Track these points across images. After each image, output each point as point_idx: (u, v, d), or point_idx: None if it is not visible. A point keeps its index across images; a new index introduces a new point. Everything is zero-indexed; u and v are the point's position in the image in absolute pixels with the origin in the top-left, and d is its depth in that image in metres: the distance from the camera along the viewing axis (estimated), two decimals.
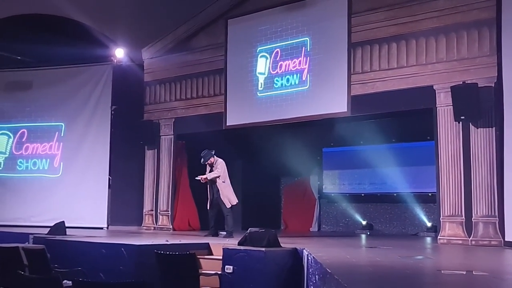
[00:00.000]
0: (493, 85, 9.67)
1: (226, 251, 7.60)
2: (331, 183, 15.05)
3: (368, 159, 13.50)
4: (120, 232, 12.94)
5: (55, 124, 15.29)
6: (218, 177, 11.04)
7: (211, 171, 11.19)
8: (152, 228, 14.03)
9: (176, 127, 14.09)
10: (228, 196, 11.10)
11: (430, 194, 12.39)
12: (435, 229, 11.85)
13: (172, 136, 14.12)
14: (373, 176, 14.01)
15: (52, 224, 10.69)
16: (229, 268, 7.38)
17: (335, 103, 11.58)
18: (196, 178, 11.34)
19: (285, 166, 14.56)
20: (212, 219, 11.34)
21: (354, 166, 14.37)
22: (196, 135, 13.53)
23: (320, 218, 15.17)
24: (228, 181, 11.25)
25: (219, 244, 8.66)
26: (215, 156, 11.25)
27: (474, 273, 5.39)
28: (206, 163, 11.26)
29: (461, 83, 9.82)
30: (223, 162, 11.24)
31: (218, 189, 11.08)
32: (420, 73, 10.53)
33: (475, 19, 9.95)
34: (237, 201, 11.33)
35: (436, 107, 10.29)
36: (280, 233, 10.19)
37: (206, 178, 11.08)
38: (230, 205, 11.08)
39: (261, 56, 12.85)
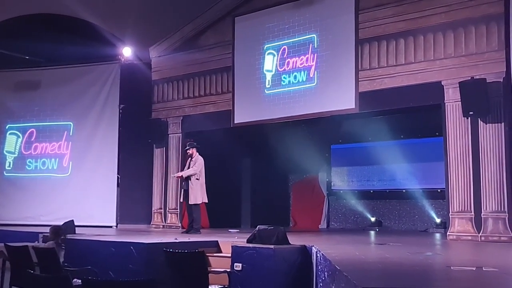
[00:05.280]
0: (501, 80, 9.63)
1: (235, 248, 7.62)
2: (339, 180, 15.04)
3: (376, 155, 13.50)
4: (129, 230, 12.97)
5: (63, 123, 15.34)
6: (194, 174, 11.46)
7: (189, 162, 11.63)
8: (161, 226, 14.06)
9: (184, 125, 14.11)
10: (196, 194, 11.43)
11: (439, 190, 12.38)
12: (444, 225, 11.84)
13: (180, 134, 14.14)
14: (382, 173, 14.01)
15: (61, 223, 10.72)
16: (238, 266, 7.39)
17: (343, 99, 11.56)
18: (173, 175, 11.71)
19: (293, 163, 14.59)
20: (187, 213, 11.82)
21: (362, 162, 14.36)
22: (204, 133, 13.54)
23: (329, 215, 15.17)
24: (202, 180, 11.59)
25: (228, 242, 8.68)
26: (197, 153, 11.65)
27: (484, 269, 5.37)
28: (187, 152, 11.74)
29: (470, 78, 9.77)
30: (202, 160, 11.62)
31: (189, 184, 11.43)
32: (428, 69, 10.49)
33: (483, 14, 9.91)
34: (206, 201, 11.64)
35: (445, 103, 10.26)
36: (289, 231, 10.19)
37: (182, 176, 11.53)
38: (195, 203, 11.43)
39: (268, 54, 12.84)
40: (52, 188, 15.07)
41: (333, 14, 11.87)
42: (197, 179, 11.43)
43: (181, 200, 11.85)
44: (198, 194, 11.44)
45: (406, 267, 5.71)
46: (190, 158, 11.72)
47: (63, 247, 7.86)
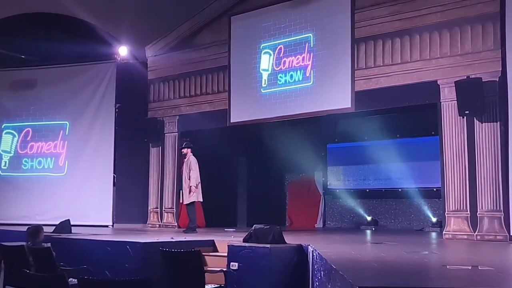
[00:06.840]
0: (497, 80, 9.65)
1: (231, 248, 7.62)
2: (335, 179, 15.04)
3: (372, 154, 13.50)
4: (125, 230, 12.96)
5: (59, 122, 15.30)
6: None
7: (184, 163, 11.68)
8: (157, 225, 14.05)
9: (180, 125, 14.09)
10: (188, 193, 11.43)
11: (435, 189, 12.38)
12: (440, 224, 11.85)
13: (176, 133, 14.12)
14: (378, 172, 14.01)
15: (57, 223, 10.74)
16: (234, 265, 7.39)
17: (339, 99, 11.57)
18: (190, 197, 11.61)
19: (289, 162, 14.58)
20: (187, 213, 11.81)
21: (358, 162, 14.37)
22: (200, 132, 13.53)
23: (325, 214, 15.17)
24: (197, 180, 11.55)
25: (224, 241, 8.68)
26: (191, 153, 11.65)
27: (479, 268, 5.37)
28: (182, 151, 11.81)
29: (465, 77, 9.79)
30: (196, 161, 11.62)
31: (183, 185, 11.58)
32: (424, 68, 10.51)
33: (479, 14, 9.93)
34: (201, 200, 11.66)
35: (441, 102, 10.27)
36: (285, 230, 10.20)
37: (192, 187, 11.45)
38: (188, 202, 11.49)
39: (264, 53, 12.84)
40: (48, 187, 15.03)
41: (329, 13, 11.87)
42: (189, 179, 11.43)
43: (181, 201, 11.85)
44: (191, 193, 11.42)
45: (402, 266, 5.71)
46: (184, 157, 11.76)
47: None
